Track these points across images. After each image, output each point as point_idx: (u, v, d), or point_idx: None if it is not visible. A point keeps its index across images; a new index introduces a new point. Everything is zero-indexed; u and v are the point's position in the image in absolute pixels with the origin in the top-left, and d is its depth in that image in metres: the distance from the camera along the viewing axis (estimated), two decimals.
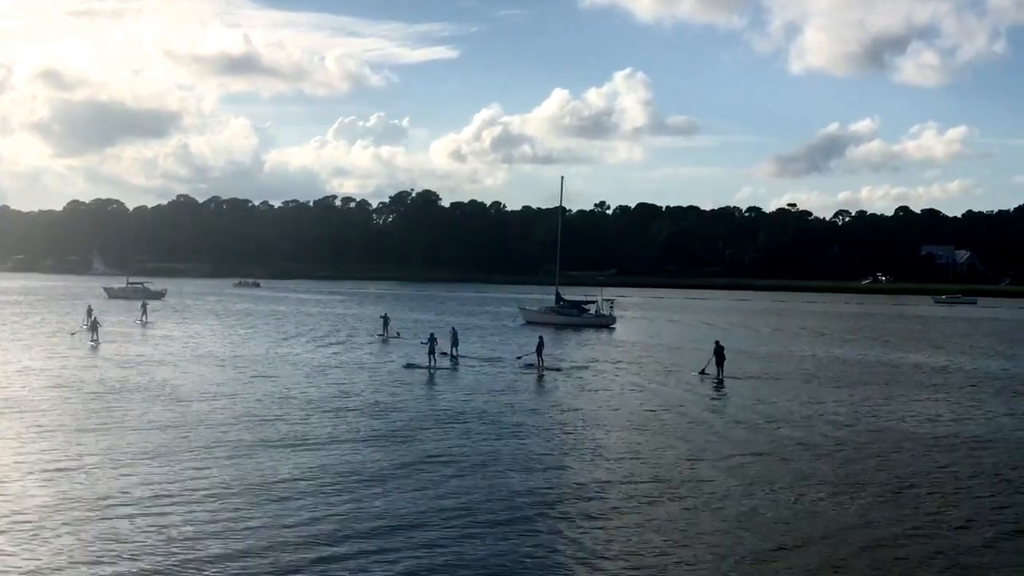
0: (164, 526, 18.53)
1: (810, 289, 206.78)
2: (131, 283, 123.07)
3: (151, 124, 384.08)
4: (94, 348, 54.84)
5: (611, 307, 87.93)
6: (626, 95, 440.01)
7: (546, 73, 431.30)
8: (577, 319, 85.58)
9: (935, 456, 27.35)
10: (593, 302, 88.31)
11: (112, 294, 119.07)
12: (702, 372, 45.81)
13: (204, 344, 58.79)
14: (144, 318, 77.58)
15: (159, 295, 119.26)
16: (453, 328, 56.16)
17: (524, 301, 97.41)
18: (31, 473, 22.73)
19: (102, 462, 23.97)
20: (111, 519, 18.96)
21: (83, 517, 19.03)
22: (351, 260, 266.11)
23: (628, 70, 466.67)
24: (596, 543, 18.23)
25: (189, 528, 18.48)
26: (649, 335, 75.48)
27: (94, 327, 59.90)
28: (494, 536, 18.49)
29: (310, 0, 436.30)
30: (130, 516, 19.17)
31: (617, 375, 46.67)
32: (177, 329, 71.34)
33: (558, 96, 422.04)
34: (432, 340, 47.49)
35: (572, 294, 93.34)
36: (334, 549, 17.50)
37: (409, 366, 47.49)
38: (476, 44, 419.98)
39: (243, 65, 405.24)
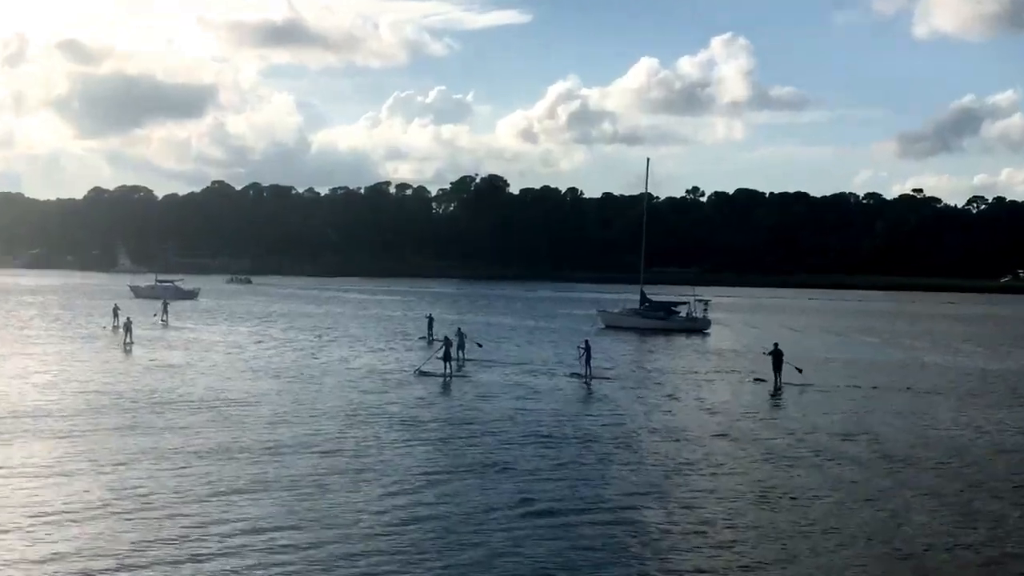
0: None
1: (937, 288, 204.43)
2: (160, 281, 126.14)
3: (183, 101, 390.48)
4: (127, 352, 57.54)
5: (705, 309, 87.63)
6: (724, 64, 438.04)
7: (631, 39, 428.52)
8: (665, 323, 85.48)
9: None
10: (684, 303, 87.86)
11: (139, 293, 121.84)
12: (768, 380, 46.78)
13: (237, 349, 60.97)
14: (164, 318, 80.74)
15: (191, 295, 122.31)
16: (459, 329, 57.94)
17: (603, 302, 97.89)
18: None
19: (159, 497, 25.41)
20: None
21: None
22: (407, 254, 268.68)
23: (728, 35, 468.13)
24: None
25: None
26: (749, 341, 73.95)
27: (127, 328, 62.44)
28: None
29: None
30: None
31: (675, 385, 47.34)
32: (205, 332, 73.99)
33: (645, 65, 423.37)
34: (447, 344, 49.36)
35: (659, 294, 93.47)
36: None
37: (421, 374, 48.65)
38: (551, 7, 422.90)
39: (287, 34, 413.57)
